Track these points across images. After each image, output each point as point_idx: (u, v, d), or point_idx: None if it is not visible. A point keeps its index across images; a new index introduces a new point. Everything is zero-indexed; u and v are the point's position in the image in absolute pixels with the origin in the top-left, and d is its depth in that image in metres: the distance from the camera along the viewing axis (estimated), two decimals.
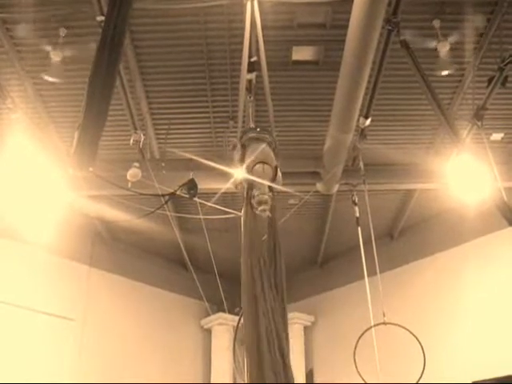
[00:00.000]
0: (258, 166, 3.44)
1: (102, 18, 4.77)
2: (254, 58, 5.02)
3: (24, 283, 8.68)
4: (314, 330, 11.23)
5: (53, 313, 8.94)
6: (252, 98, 5.35)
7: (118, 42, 3.52)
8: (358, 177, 7.21)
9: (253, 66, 5.02)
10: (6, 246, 8.48)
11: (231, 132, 7.38)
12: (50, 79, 5.87)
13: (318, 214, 9.73)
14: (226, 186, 7.05)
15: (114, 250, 10.37)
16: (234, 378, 10.45)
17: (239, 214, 3.60)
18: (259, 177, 3.36)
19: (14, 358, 8.11)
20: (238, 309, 9.02)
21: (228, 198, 8.01)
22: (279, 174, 3.56)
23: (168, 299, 10.98)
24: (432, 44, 5.85)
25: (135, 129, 6.94)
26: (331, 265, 11.43)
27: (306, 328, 11.20)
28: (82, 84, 4.89)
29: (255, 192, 3.26)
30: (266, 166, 3.47)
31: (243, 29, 4.88)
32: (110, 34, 3.46)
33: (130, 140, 6.95)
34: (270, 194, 3.32)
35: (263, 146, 3.60)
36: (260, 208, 3.22)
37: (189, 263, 9.60)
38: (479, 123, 6.46)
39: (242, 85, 4.60)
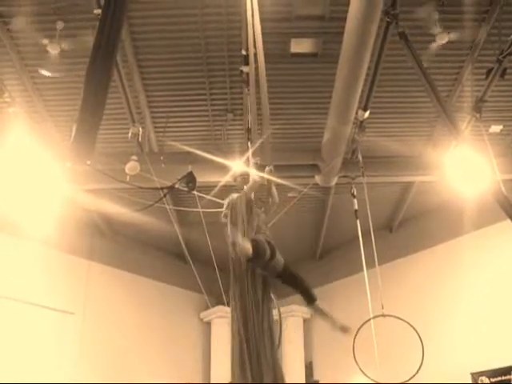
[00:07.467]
0: None
1: (99, 10, 4.74)
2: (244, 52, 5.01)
3: (24, 278, 8.66)
4: (314, 323, 11.24)
5: (53, 307, 8.94)
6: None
7: (115, 35, 3.51)
8: (357, 169, 7.20)
9: (246, 60, 4.99)
10: (5, 241, 8.47)
11: (230, 125, 7.37)
12: (48, 74, 5.85)
13: (317, 206, 9.73)
14: (224, 179, 7.08)
15: (113, 243, 10.37)
16: None
17: None
18: None
19: (16, 352, 8.12)
20: None
21: (227, 191, 7.97)
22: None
23: (168, 292, 11.00)
24: (431, 36, 5.84)
25: (133, 122, 6.92)
26: (330, 257, 11.44)
27: (305, 320, 11.23)
28: (80, 77, 4.87)
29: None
30: None
31: (241, 21, 4.85)
32: (107, 27, 3.45)
33: (128, 133, 6.94)
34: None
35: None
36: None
37: (188, 256, 9.59)
38: (478, 115, 6.45)
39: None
